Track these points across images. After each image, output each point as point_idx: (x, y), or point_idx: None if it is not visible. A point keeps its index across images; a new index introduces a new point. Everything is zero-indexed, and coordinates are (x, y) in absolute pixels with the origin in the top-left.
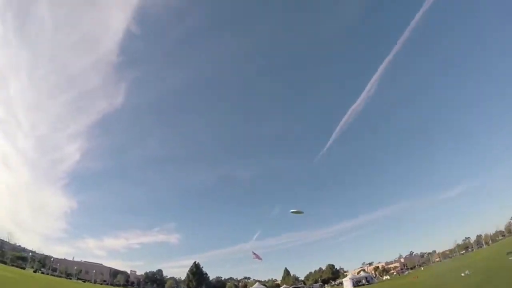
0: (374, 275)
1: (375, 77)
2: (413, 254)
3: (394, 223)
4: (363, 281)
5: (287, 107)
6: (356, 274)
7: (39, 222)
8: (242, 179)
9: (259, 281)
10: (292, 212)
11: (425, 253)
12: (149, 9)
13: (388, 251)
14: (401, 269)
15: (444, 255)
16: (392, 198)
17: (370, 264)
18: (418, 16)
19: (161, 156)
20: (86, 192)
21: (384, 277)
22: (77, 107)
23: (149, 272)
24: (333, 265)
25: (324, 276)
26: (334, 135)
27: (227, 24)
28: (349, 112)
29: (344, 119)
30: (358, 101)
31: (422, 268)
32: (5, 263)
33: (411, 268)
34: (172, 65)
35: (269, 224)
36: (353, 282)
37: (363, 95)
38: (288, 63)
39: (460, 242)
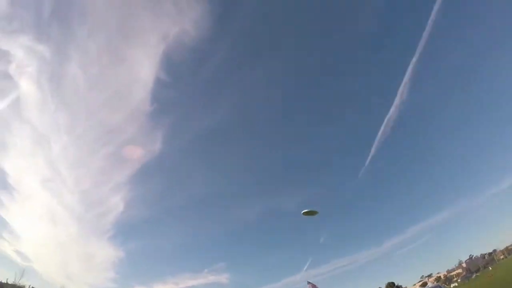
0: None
1: (404, 80)
2: (473, 257)
3: (446, 230)
4: None
5: (322, 130)
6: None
7: (89, 273)
8: (287, 210)
9: None
10: (304, 213)
11: (485, 254)
12: (174, 56)
13: (445, 260)
14: (465, 274)
15: (508, 250)
16: (439, 204)
17: (429, 276)
18: (435, 11)
19: (204, 197)
20: (132, 240)
21: (452, 285)
22: (117, 159)
23: None
24: (393, 283)
25: None
26: (373, 148)
27: (249, 56)
28: (385, 122)
29: (381, 130)
30: (392, 109)
31: (490, 268)
32: None
33: (476, 271)
34: (203, 106)
35: (319, 251)
36: None
37: (396, 102)
38: (316, 84)
39: None
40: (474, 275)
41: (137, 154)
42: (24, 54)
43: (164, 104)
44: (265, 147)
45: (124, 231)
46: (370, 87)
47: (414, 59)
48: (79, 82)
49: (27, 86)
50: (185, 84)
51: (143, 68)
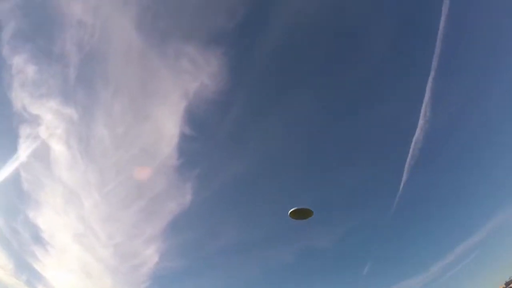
0: None
1: (425, 100)
2: None
3: (495, 242)
4: None
5: (349, 165)
6: None
7: None
8: (323, 248)
9: None
10: (291, 215)
11: None
12: (196, 110)
13: (498, 274)
14: None
15: None
16: (483, 216)
17: None
18: (442, 26)
19: (238, 243)
20: None
21: None
22: (148, 213)
23: None
24: None
25: None
26: (404, 174)
27: (268, 103)
28: (412, 145)
29: (409, 154)
30: (418, 131)
31: None
32: None
33: None
34: (229, 156)
35: (362, 285)
36: None
37: (420, 123)
38: (338, 121)
39: None
40: None
41: (167, 206)
42: (52, 117)
43: (191, 157)
44: (294, 189)
45: (160, 281)
46: (391, 113)
47: (431, 76)
48: (107, 141)
49: (57, 146)
50: (209, 136)
51: (167, 124)
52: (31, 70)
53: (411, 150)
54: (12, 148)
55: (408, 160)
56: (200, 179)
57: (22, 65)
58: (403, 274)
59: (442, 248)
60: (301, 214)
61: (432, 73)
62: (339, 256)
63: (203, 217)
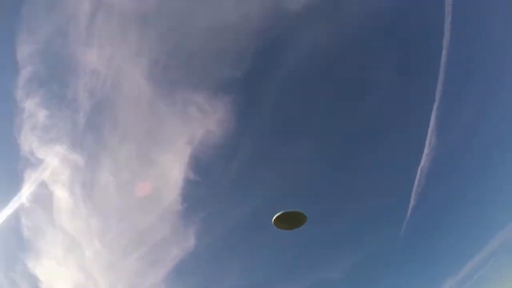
0: None
1: (431, 125)
2: None
3: (501, 257)
4: None
5: (358, 196)
6: None
7: None
8: (332, 279)
9: None
10: (277, 222)
11: None
12: (201, 155)
13: None
14: None
15: None
16: (490, 233)
17: None
18: (444, 55)
19: (244, 286)
20: None
21: None
22: (151, 260)
23: None
24: None
25: None
26: (412, 200)
27: (274, 147)
28: (418, 173)
29: (416, 181)
30: (424, 158)
31: None
32: None
33: None
34: (233, 200)
35: None
36: None
37: (426, 150)
38: (344, 157)
39: None
40: None
41: (170, 252)
42: (58, 162)
43: (195, 202)
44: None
45: None
46: (397, 144)
47: (435, 106)
48: (111, 188)
49: (60, 193)
50: (213, 181)
51: (172, 170)
52: (42, 114)
53: (417, 178)
54: (15, 192)
55: (414, 187)
56: (205, 222)
57: (34, 109)
58: None
59: (450, 268)
60: (291, 220)
61: (436, 103)
62: (349, 286)
63: (207, 261)
